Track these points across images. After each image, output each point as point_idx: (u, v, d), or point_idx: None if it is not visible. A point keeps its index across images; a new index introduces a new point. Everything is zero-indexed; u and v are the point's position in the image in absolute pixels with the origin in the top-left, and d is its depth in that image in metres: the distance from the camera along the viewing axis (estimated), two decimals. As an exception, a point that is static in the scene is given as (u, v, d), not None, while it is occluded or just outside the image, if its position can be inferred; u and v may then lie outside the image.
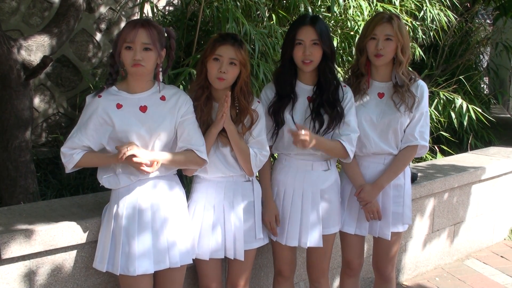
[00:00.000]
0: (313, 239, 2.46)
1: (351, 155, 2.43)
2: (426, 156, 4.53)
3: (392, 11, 4.25)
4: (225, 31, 3.19)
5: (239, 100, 2.30)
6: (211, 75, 2.24)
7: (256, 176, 2.48)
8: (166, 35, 2.18)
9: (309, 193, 2.45)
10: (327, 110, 2.39)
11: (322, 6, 4.14)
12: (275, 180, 2.53)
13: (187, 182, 3.04)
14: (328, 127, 2.40)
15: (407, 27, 4.07)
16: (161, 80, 2.21)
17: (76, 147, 2.09)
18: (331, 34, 4.02)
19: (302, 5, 3.73)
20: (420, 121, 2.52)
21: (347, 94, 2.46)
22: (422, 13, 4.63)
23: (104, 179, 2.15)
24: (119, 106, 2.11)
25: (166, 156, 2.13)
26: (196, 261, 2.37)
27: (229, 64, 2.22)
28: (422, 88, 2.53)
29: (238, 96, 2.29)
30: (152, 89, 2.19)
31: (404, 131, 2.54)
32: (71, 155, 2.09)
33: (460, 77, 5.33)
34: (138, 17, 4.25)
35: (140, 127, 2.10)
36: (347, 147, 2.40)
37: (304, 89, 2.45)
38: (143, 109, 2.13)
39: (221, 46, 2.22)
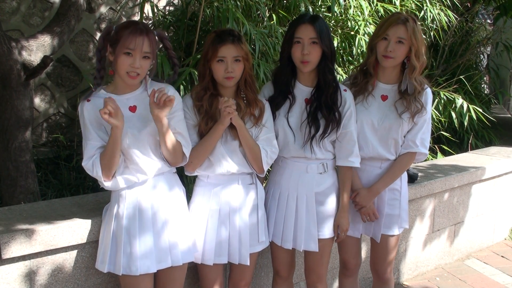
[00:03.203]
0: (307, 243, 2.42)
1: (359, 164, 2.45)
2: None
3: (393, 10, 4.25)
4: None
5: (245, 93, 2.29)
6: (218, 76, 2.23)
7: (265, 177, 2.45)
8: (157, 38, 2.15)
9: (303, 195, 2.41)
10: (324, 114, 2.34)
11: (323, 6, 4.14)
12: (271, 181, 2.51)
13: (187, 182, 3.04)
14: (324, 131, 2.35)
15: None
16: (149, 80, 2.20)
17: (94, 153, 2.08)
18: (332, 34, 4.03)
19: (303, 5, 3.72)
20: (422, 128, 2.49)
21: (347, 100, 2.40)
22: (422, 13, 4.63)
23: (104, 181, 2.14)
24: None
25: (167, 129, 2.10)
26: (199, 265, 2.37)
27: (234, 62, 2.21)
28: (427, 95, 2.48)
29: (243, 88, 2.29)
30: (140, 88, 2.18)
31: (404, 137, 2.52)
32: (92, 162, 2.07)
33: (461, 77, 5.33)
34: (139, 17, 4.25)
35: (132, 127, 2.10)
36: (356, 164, 2.43)
37: (302, 91, 2.41)
38: (133, 109, 2.13)
39: (223, 47, 2.19)
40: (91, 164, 2.07)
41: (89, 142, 2.09)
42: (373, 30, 4.17)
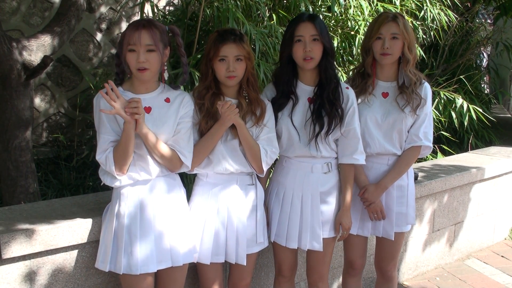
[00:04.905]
0: (313, 242, 2.42)
1: (364, 161, 2.45)
2: (427, 156, 4.53)
3: (393, 10, 4.25)
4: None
5: (247, 92, 2.30)
6: (220, 75, 2.24)
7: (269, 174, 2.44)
8: (170, 33, 2.19)
9: (308, 195, 2.42)
10: (327, 110, 2.35)
11: (323, 6, 4.14)
12: (275, 182, 2.51)
13: (187, 181, 3.04)
14: (328, 128, 2.36)
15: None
16: (166, 78, 2.21)
17: (107, 147, 2.09)
18: (332, 34, 4.03)
19: (303, 5, 3.72)
20: (424, 121, 2.52)
21: (349, 97, 2.41)
22: (422, 12, 4.62)
23: (105, 177, 2.15)
24: None
25: (152, 136, 2.09)
26: (197, 264, 2.37)
27: (236, 61, 2.22)
28: (426, 89, 2.53)
29: (245, 87, 2.30)
30: (157, 90, 2.19)
31: (408, 132, 2.54)
32: (106, 157, 2.07)
33: (461, 76, 5.33)
34: (139, 17, 4.26)
35: None
36: (361, 161, 2.42)
37: (305, 90, 2.42)
38: (147, 110, 2.14)
39: (224, 46, 2.20)
40: (104, 158, 2.08)
41: (102, 136, 2.10)
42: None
